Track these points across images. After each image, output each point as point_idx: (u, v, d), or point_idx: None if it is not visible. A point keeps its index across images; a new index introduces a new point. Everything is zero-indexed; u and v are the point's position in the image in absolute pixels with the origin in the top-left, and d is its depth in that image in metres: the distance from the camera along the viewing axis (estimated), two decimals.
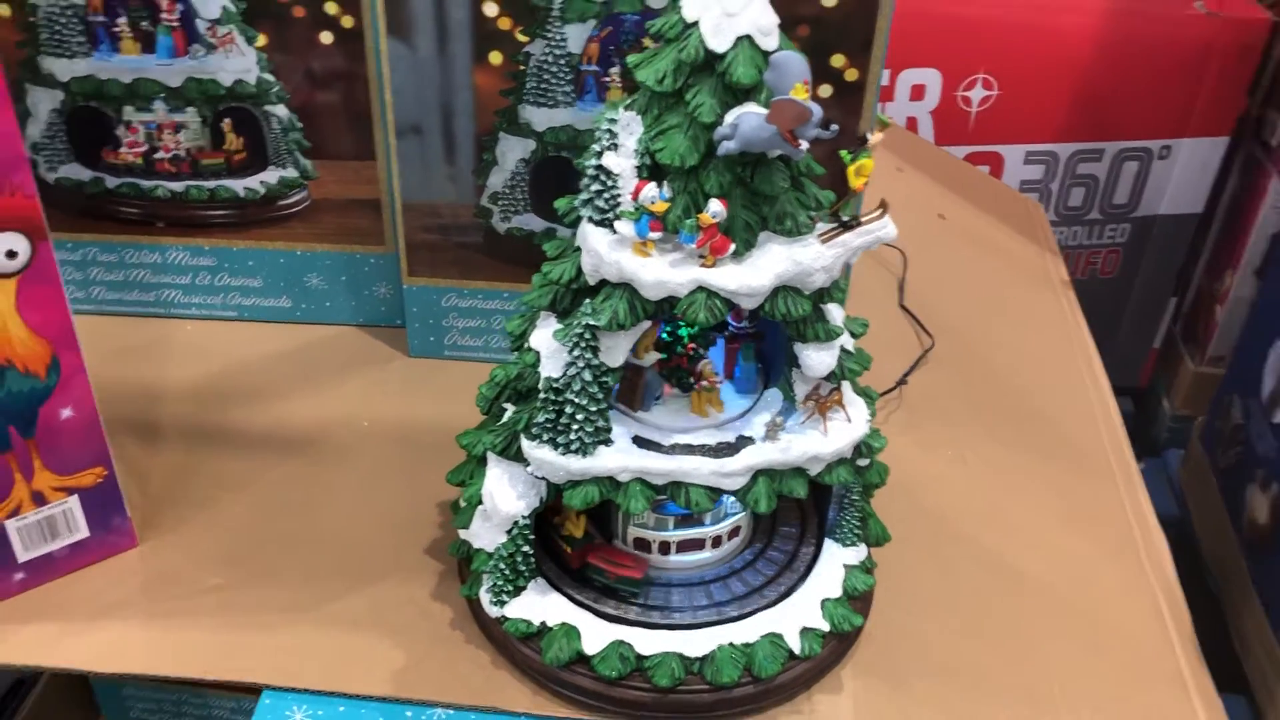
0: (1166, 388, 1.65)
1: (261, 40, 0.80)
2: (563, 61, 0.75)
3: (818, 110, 0.50)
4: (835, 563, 0.67)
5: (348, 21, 0.78)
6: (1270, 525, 1.26)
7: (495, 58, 0.76)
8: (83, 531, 0.69)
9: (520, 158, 0.80)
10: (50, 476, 0.66)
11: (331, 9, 0.78)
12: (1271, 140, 1.43)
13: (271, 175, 0.86)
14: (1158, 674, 0.75)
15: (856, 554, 0.68)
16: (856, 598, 0.67)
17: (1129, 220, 1.51)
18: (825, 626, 0.64)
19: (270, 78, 0.81)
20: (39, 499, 0.66)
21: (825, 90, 0.75)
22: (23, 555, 0.67)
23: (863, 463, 0.65)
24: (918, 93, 1.43)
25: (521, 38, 0.75)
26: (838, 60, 0.74)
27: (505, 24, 0.74)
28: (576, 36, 0.75)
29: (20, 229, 0.58)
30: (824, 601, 0.65)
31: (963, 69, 1.41)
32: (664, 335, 0.63)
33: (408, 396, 0.85)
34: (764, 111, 0.50)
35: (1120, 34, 1.37)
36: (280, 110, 0.83)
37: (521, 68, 0.76)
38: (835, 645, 0.65)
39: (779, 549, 0.69)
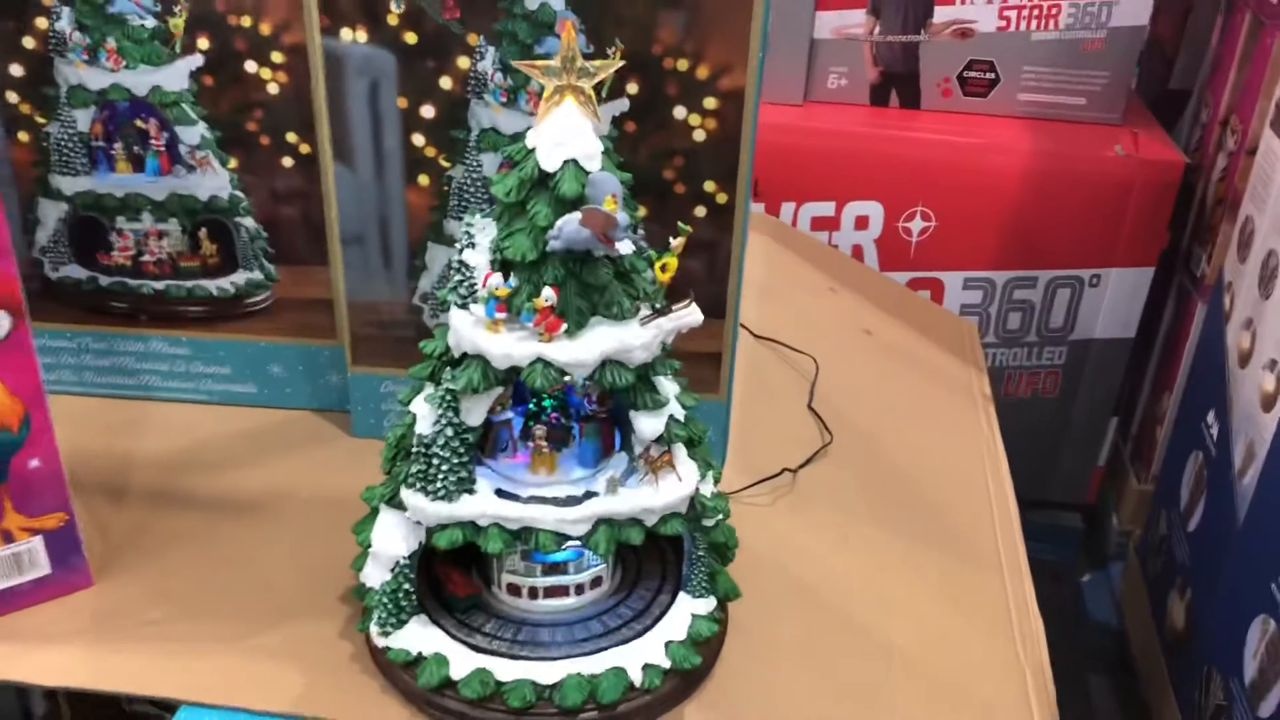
0: (1115, 504, 1.73)
1: (233, 163, 0.95)
2: (479, 183, 0.89)
3: (623, 217, 0.63)
4: (685, 611, 0.77)
5: (305, 148, 0.93)
6: (1186, 630, 1.33)
7: (423, 179, 0.90)
8: (44, 569, 0.80)
9: (446, 264, 0.93)
10: (18, 518, 0.78)
11: (291, 138, 0.93)
12: (1197, 271, 1.54)
13: (240, 277, 0.99)
14: None
15: (706, 605, 0.78)
16: (701, 642, 0.76)
17: (1066, 344, 1.61)
18: (667, 664, 0.74)
19: (240, 194, 0.96)
20: (8, 537, 0.78)
21: (700, 211, 0.87)
22: None
23: (708, 522, 0.76)
24: (862, 223, 1.56)
25: (445, 163, 0.89)
26: (709, 186, 0.86)
27: (431, 152, 0.88)
28: (490, 163, 0.88)
29: (3, 307, 0.72)
30: (668, 643, 0.75)
31: (902, 202, 1.54)
32: (531, 406, 0.74)
33: (345, 470, 0.97)
34: (580, 216, 0.63)
35: (1046, 173, 1.51)
36: (248, 221, 0.97)
37: (445, 188, 0.90)
38: (677, 682, 0.74)
39: (638, 598, 0.79)
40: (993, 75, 1.55)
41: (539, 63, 0.64)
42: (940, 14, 1.53)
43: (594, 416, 0.73)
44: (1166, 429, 1.58)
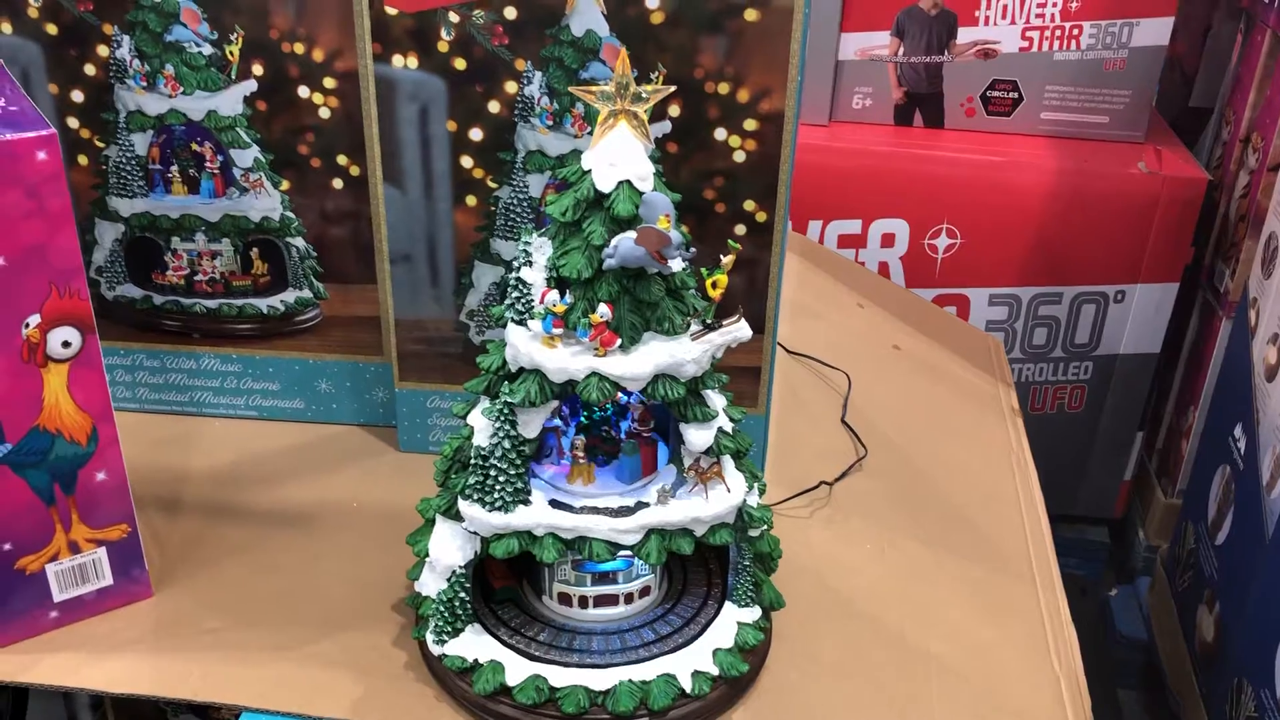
0: (1141, 519, 1.74)
1: (285, 184, 0.97)
2: (525, 204, 0.92)
3: (676, 236, 0.65)
4: (731, 620, 0.79)
5: (354, 170, 0.96)
6: (1215, 642, 1.34)
7: (471, 200, 0.92)
8: (107, 579, 0.83)
9: (492, 281, 0.95)
10: (84, 529, 0.81)
11: (342, 160, 0.95)
12: (1220, 287, 1.56)
13: (290, 295, 1.02)
14: None
15: (751, 614, 0.80)
16: (747, 650, 0.78)
17: (1091, 359, 1.63)
18: (715, 671, 0.76)
19: (291, 215, 0.98)
20: (74, 548, 0.81)
21: (740, 229, 0.90)
22: (58, 596, 0.81)
23: (753, 532, 0.78)
24: (888, 240, 1.58)
25: (492, 185, 0.91)
26: (749, 205, 0.89)
27: (479, 174, 0.91)
28: (536, 184, 0.91)
29: (75, 324, 0.74)
30: (716, 650, 0.77)
31: (928, 220, 1.57)
32: (582, 419, 0.77)
33: (394, 483, 0.99)
34: (635, 235, 0.65)
35: (1070, 190, 1.53)
36: (299, 241, 1.00)
37: (492, 208, 0.92)
38: (725, 690, 0.76)
39: (685, 608, 0.81)
40: (1016, 95, 1.58)
41: (594, 88, 0.66)
42: (963, 35, 1.55)
43: (636, 435, 0.75)
44: (1193, 443, 1.59)
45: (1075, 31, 1.52)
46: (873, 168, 1.56)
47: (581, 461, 0.73)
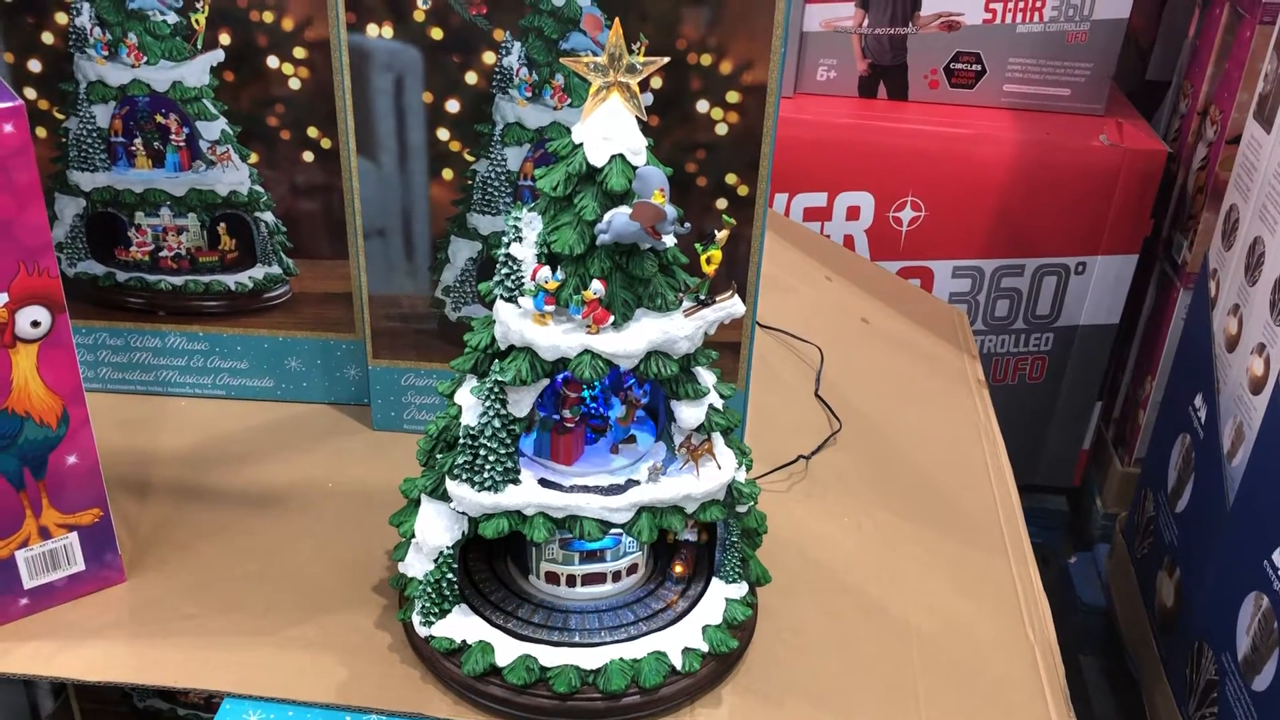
0: (1099, 487, 1.76)
1: (253, 157, 0.95)
2: (503, 177, 0.90)
3: (672, 211, 0.64)
4: (719, 597, 0.79)
5: (326, 143, 0.93)
6: (1175, 608, 1.37)
7: (447, 173, 0.90)
8: (79, 565, 0.81)
9: (469, 257, 0.94)
10: (55, 514, 0.78)
11: (313, 132, 0.93)
12: (1178, 259, 1.58)
13: (259, 271, 0.99)
14: (1025, 716, 0.85)
15: (738, 590, 0.80)
16: (736, 626, 0.78)
17: (1052, 330, 1.65)
18: (705, 648, 0.76)
19: (260, 189, 0.96)
20: (45, 533, 0.78)
21: (721, 203, 0.89)
22: (28, 583, 0.79)
23: (741, 508, 0.77)
24: (853, 213, 1.58)
25: (469, 158, 0.90)
26: (731, 178, 0.88)
27: (455, 146, 0.89)
28: (514, 157, 0.89)
29: (44, 303, 0.72)
30: (705, 627, 0.77)
31: (893, 193, 1.57)
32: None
33: (369, 463, 0.98)
34: (630, 210, 0.64)
35: (1033, 163, 1.53)
36: (268, 216, 0.97)
37: (469, 182, 0.91)
38: (715, 665, 0.76)
39: (672, 585, 0.80)
40: (979, 67, 1.58)
41: (586, 59, 0.65)
42: (927, 6, 1.55)
43: (559, 420, 0.74)
44: (1150, 413, 1.61)
45: (1038, 4, 1.53)
46: (838, 140, 1.56)
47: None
